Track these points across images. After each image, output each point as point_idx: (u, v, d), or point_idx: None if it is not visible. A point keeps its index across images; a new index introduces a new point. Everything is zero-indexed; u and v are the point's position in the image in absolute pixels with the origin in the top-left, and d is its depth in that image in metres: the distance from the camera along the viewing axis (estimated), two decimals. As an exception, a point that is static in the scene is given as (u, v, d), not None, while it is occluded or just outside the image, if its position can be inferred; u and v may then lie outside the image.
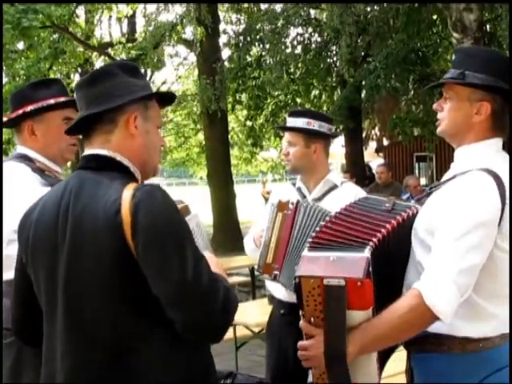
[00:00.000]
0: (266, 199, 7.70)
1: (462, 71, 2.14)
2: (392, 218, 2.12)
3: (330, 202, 3.19)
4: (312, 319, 1.97)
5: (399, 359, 2.40)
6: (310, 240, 2.07)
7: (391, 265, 2.15)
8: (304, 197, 3.35)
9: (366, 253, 1.94)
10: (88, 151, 1.90)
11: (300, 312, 2.02)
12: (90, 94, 1.89)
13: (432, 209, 2.13)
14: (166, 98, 2.10)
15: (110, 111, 1.86)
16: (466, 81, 2.13)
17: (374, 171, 14.67)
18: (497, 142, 2.19)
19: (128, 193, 1.72)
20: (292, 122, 3.43)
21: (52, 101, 2.74)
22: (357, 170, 15.50)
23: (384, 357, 2.22)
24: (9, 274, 2.25)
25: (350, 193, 3.29)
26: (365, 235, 2.02)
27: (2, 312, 2.01)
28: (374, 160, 20.25)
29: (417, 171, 20.36)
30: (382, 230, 2.05)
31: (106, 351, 1.73)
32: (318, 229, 2.11)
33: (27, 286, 1.94)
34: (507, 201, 2.02)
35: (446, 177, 2.24)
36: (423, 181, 19.13)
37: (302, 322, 2.02)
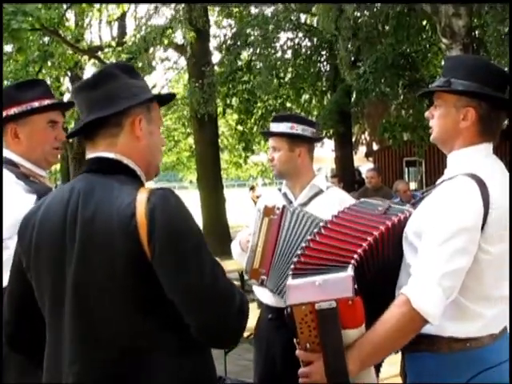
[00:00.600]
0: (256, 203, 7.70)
1: (448, 79, 2.21)
2: (382, 224, 2.15)
3: (316, 207, 3.19)
4: (308, 345, 1.98)
5: (393, 363, 2.44)
6: (292, 267, 2.07)
7: (387, 268, 2.19)
8: (290, 202, 3.34)
9: (349, 271, 1.95)
10: (93, 154, 1.89)
11: (294, 340, 2.03)
12: (93, 96, 1.87)
13: (421, 213, 2.18)
14: (164, 99, 2.12)
15: (115, 114, 1.85)
16: (450, 88, 2.20)
17: (363, 176, 14.71)
18: (486, 147, 2.23)
19: (142, 196, 1.72)
20: (275, 127, 3.44)
21: (36, 103, 2.65)
22: (346, 174, 15.54)
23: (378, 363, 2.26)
24: None
25: (334, 198, 3.29)
26: (347, 252, 2.05)
27: (2, 314, 1.98)
28: (363, 164, 20.28)
29: (406, 176, 20.41)
30: (368, 239, 2.08)
31: (115, 353, 1.73)
32: (299, 252, 2.13)
33: (24, 290, 1.91)
34: (493, 206, 2.07)
35: (438, 182, 2.29)
36: (413, 185, 19.18)
37: (298, 351, 2.02)
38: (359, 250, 2.04)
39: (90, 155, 1.91)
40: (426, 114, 2.33)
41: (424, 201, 2.25)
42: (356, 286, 1.92)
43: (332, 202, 3.21)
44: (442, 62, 13.30)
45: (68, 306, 1.77)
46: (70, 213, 1.80)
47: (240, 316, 1.76)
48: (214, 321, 1.71)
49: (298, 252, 2.12)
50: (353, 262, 2.00)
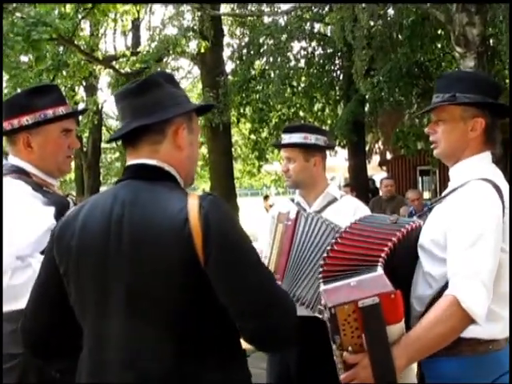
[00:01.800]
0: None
1: (453, 94, 2.27)
2: (397, 231, 2.17)
3: (330, 214, 3.18)
4: (350, 348, 1.98)
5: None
6: (320, 275, 2.09)
7: (397, 278, 2.17)
8: (304, 210, 3.33)
9: (380, 270, 1.98)
10: (134, 161, 1.90)
11: (333, 346, 2.02)
12: (138, 103, 1.88)
13: (436, 221, 2.22)
14: (204, 109, 2.16)
15: (160, 122, 1.86)
16: (457, 101, 2.26)
17: (376, 185, 14.67)
18: (488, 155, 2.34)
19: (194, 202, 1.74)
20: (287, 138, 3.42)
21: (50, 112, 2.58)
22: (360, 183, 15.52)
23: None
24: (18, 304, 2.14)
25: (349, 206, 3.30)
26: (372, 252, 2.07)
27: (1, 318, 1.97)
28: (377, 173, 20.24)
29: (420, 185, 20.34)
30: (389, 244, 2.10)
31: (168, 365, 1.72)
32: (325, 255, 2.15)
33: (57, 295, 1.90)
34: (506, 205, 2.14)
35: (445, 192, 2.33)
36: (426, 195, 19.11)
37: (345, 354, 2.00)
38: (385, 250, 2.07)
39: (130, 162, 1.91)
40: (427, 129, 2.38)
41: (435, 211, 2.29)
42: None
43: (347, 210, 3.20)
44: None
45: (118, 314, 1.77)
46: (114, 220, 1.79)
47: (293, 320, 1.77)
48: (270, 325, 1.72)
49: (321, 262, 2.13)
50: (380, 261, 2.02)
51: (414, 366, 2.11)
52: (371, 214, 2.51)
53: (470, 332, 2.09)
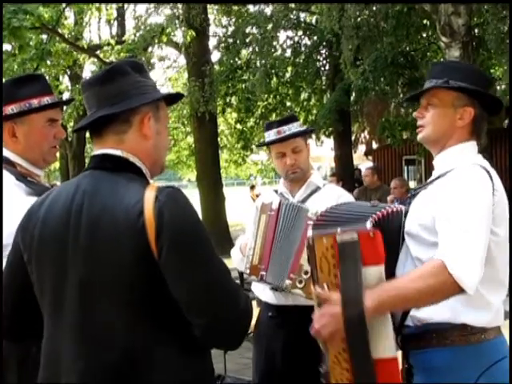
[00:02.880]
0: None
1: (447, 80, 2.27)
2: (378, 211, 2.17)
3: (313, 203, 3.18)
4: (325, 285, 1.99)
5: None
6: (311, 222, 2.13)
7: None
8: (287, 200, 3.32)
9: (368, 224, 2.01)
10: (100, 151, 1.88)
11: (312, 282, 2.06)
12: (103, 92, 1.86)
13: (423, 206, 2.22)
14: (172, 98, 2.12)
15: (125, 111, 1.84)
16: (451, 85, 2.27)
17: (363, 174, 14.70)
18: (473, 145, 2.34)
19: (150, 195, 1.72)
20: (287, 129, 3.32)
21: (35, 101, 2.55)
22: (346, 173, 15.55)
23: None
24: None
25: (333, 194, 3.30)
26: (363, 215, 2.10)
27: (2, 314, 1.96)
28: (363, 163, 20.29)
29: (406, 174, 20.41)
30: (378, 213, 2.12)
31: (119, 353, 1.71)
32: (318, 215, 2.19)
33: (23, 283, 1.91)
34: (496, 187, 2.15)
35: (430, 179, 2.35)
36: (412, 184, 19.18)
37: (316, 289, 2.04)
38: (377, 213, 2.10)
39: (96, 151, 1.89)
40: (415, 113, 2.38)
41: (421, 196, 2.29)
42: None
43: (330, 198, 3.20)
44: (442, 61, 13.37)
45: (72, 303, 1.77)
46: (74, 209, 1.79)
47: (245, 315, 1.77)
48: (220, 321, 1.72)
49: (311, 221, 2.21)
50: (371, 219, 2.04)
51: (389, 321, 2.06)
52: (347, 201, 2.50)
53: (460, 317, 2.11)
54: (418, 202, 2.27)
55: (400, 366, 2.22)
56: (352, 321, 1.94)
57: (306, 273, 2.85)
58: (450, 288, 1.99)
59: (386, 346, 2.03)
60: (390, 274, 2.21)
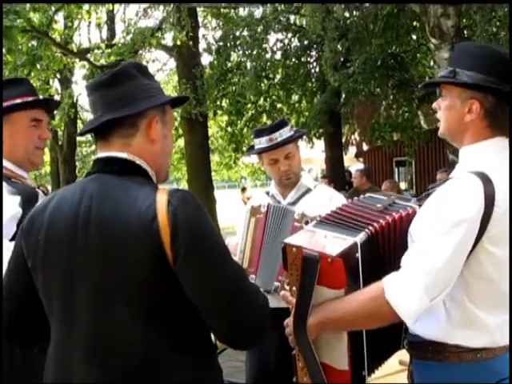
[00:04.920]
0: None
1: (454, 69, 2.08)
2: (388, 215, 2.15)
3: (305, 205, 3.19)
4: (294, 288, 2.04)
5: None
6: (298, 224, 2.21)
7: (384, 265, 2.15)
8: (278, 203, 3.32)
9: (357, 238, 1.99)
10: (105, 154, 1.86)
11: (285, 282, 2.12)
12: (110, 95, 1.84)
13: (422, 212, 2.10)
14: (179, 101, 2.12)
15: (132, 115, 1.83)
16: (456, 79, 2.07)
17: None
18: (496, 143, 2.07)
19: (162, 198, 1.70)
20: (278, 135, 3.27)
21: (18, 100, 2.58)
22: (337, 175, 15.57)
23: (382, 354, 2.25)
24: None
25: (324, 194, 3.30)
26: (367, 220, 2.10)
27: (2, 313, 1.95)
28: (353, 165, 20.32)
29: (396, 176, 20.47)
30: (381, 221, 2.10)
31: (134, 360, 1.70)
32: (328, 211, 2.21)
33: (26, 288, 1.88)
34: (498, 204, 1.93)
35: (443, 181, 2.20)
36: (403, 185, 19.23)
37: (283, 292, 2.11)
38: (379, 222, 2.09)
39: (101, 154, 1.87)
40: (434, 104, 2.20)
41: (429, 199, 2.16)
42: (358, 255, 1.97)
43: (322, 198, 3.21)
44: (431, 63, 13.43)
45: (83, 309, 1.75)
46: (82, 213, 1.77)
47: (265, 315, 1.77)
48: (241, 322, 1.72)
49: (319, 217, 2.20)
50: (367, 230, 2.04)
51: (344, 337, 2.04)
52: (371, 194, 2.50)
53: (453, 338, 2.01)
54: (422, 207, 2.12)
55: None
56: (298, 333, 2.03)
57: None
58: (386, 314, 1.89)
59: (336, 359, 2.06)
60: None
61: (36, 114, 2.65)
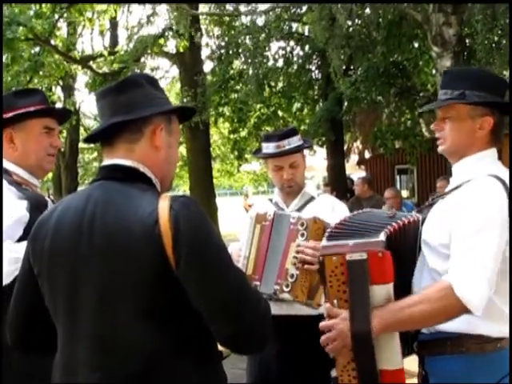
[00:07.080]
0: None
1: (463, 91, 2.25)
2: (395, 222, 2.18)
3: (309, 213, 3.19)
4: (335, 301, 2.02)
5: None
6: (327, 233, 2.16)
7: (399, 268, 2.17)
8: (282, 210, 3.33)
9: (381, 237, 2.02)
10: (109, 161, 1.88)
11: (323, 297, 2.10)
12: (118, 101, 1.87)
13: (440, 220, 2.21)
14: (186, 112, 2.13)
15: (137, 121, 1.85)
16: (467, 100, 2.24)
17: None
18: (493, 152, 2.31)
19: (164, 204, 1.71)
20: (286, 143, 3.29)
21: (32, 108, 2.67)
22: (339, 182, 15.57)
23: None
24: None
25: (327, 203, 3.31)
26: (378, 226, 2.11)
27: (2, 311, 1.96)
28: (355, 173, 20.32)
29: (398, 184, 20.44)
30: (394, 224, 2.13)
31: (136, 364, 1.70)
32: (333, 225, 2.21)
33: (33, 295, 1.90)
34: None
35: (448, 188, 2.33)
36: (405, 193, 19.21)
37: (327, 305, 2.08)
38: (393, 225, 2.11)
39: (106, 161, 1.89)
40: (433, 126, 2.36)
41: (438, 206, 2.29)
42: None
43: (324, 208, 3.21)
44: (433, 71, 13.46)
45: (87, 314, 1.76)
46: (87, 219, 1.78)
47: (267, 321, 1.76)
48: (244, 328, 1.71)
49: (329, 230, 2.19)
50: (386, 230, 2.06)
51: (396, 335, 2.08)
52: (370, 209, 2.51)
53: (478, 329, 2.11)
54: (435, 213, 2.27)
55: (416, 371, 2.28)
56: (359, 338, 1.98)
57: (291, 276, 2.87)
58: (456, 310, 2.00)
59: (391, 359, 2.05)
60: (408, 282, 2.26)
61: (48, 122, 2.74)
